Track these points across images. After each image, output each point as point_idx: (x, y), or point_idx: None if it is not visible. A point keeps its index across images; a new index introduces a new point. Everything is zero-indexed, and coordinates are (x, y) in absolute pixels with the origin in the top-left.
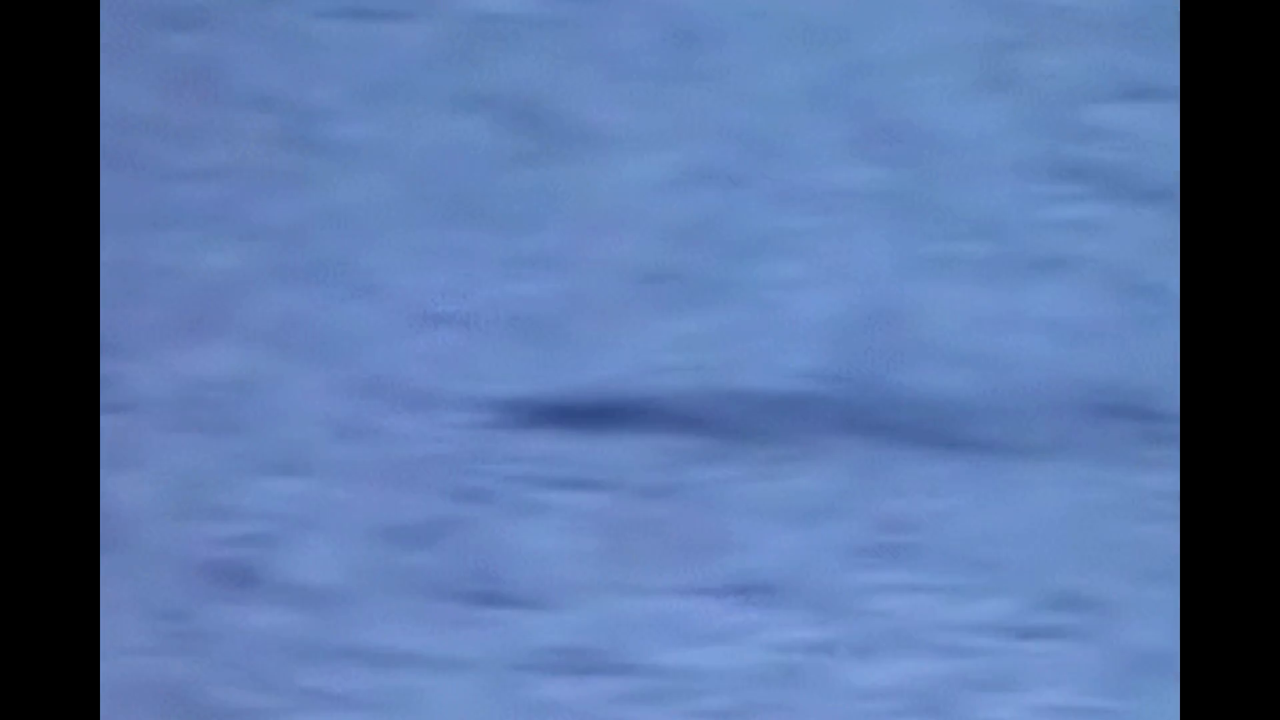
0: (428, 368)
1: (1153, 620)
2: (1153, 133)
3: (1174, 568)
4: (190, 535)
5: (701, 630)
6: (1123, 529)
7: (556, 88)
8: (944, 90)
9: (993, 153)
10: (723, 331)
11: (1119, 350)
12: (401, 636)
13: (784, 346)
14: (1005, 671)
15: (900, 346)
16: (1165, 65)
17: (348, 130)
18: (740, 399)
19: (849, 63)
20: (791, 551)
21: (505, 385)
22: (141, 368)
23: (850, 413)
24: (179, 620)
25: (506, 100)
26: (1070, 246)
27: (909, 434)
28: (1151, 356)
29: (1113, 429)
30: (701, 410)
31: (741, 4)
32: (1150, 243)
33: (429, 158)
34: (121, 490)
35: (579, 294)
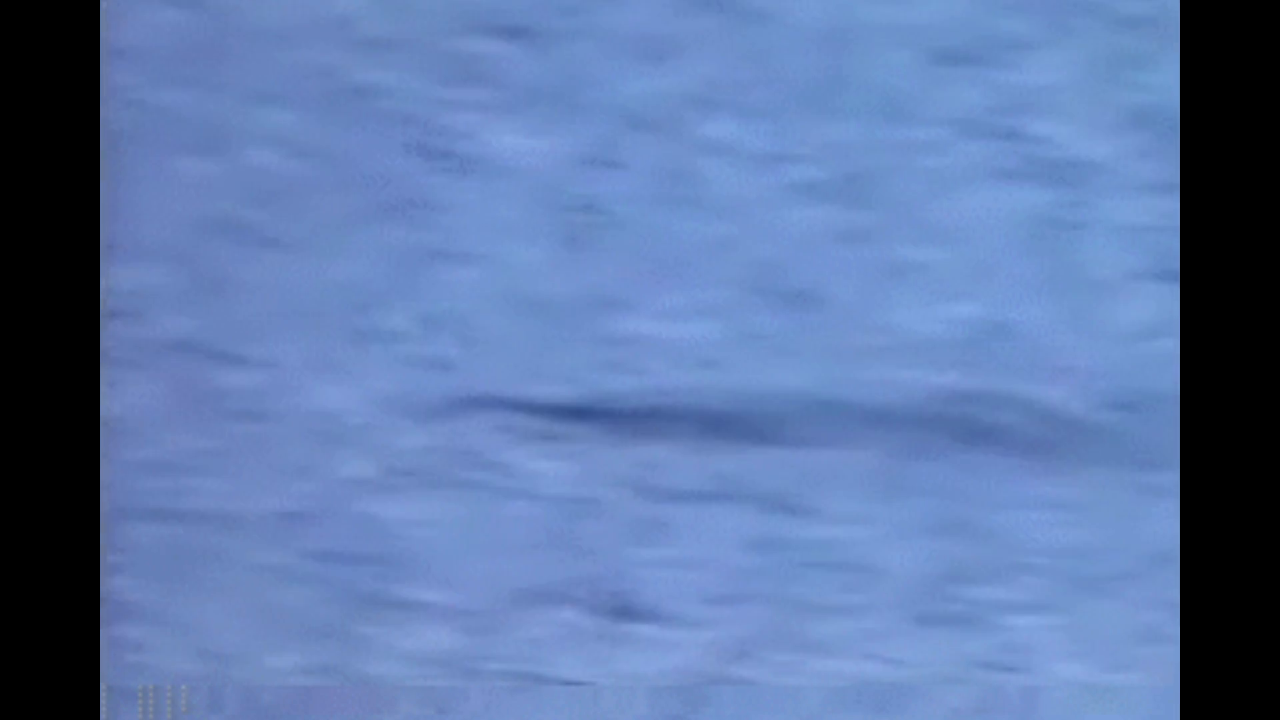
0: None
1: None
2: None
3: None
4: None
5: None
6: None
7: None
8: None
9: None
10: (839, 345)
11: None
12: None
13: (904, 361)
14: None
15: (1020, 361)
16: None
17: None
18: (857, 413)
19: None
20: (915, 566)
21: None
22: None
23: (970, 426)
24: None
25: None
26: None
27: (1029, 447)
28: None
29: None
30: (819, 424)
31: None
32: None
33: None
34: None
35: (709, 306)
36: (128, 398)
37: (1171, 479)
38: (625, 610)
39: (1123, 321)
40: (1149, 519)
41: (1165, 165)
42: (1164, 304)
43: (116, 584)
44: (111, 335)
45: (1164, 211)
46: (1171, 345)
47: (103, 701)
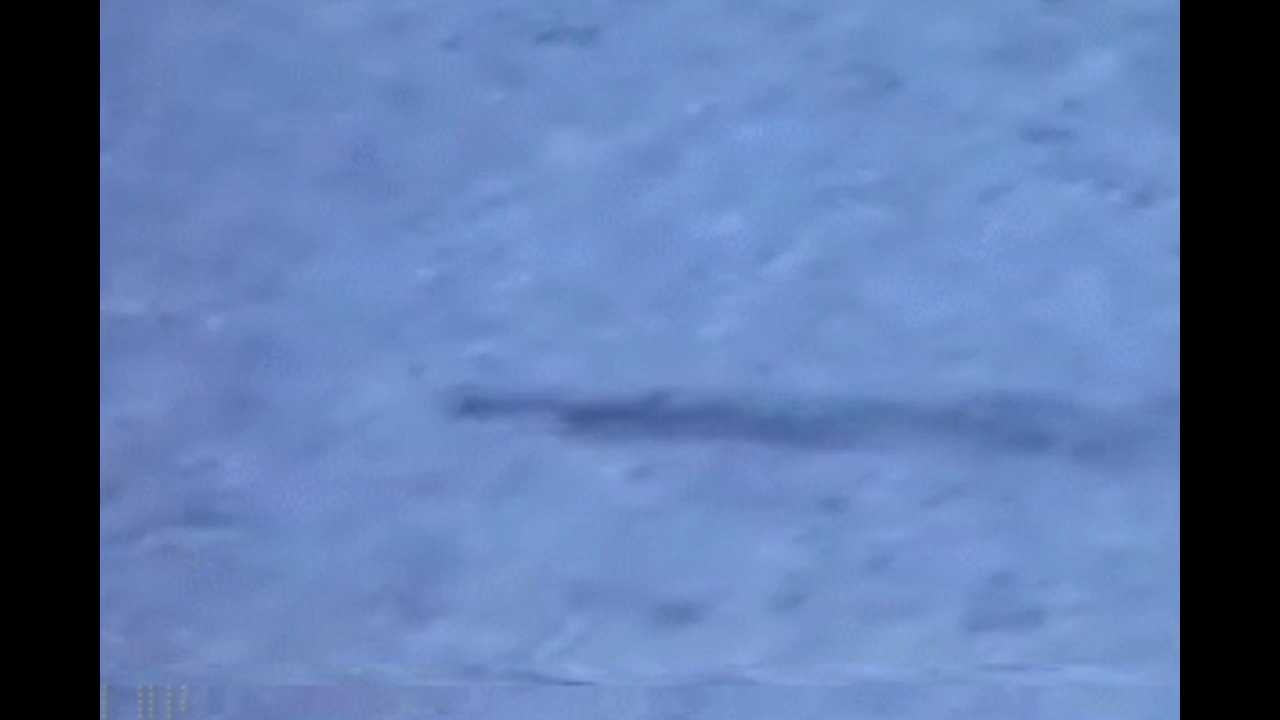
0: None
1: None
2: None
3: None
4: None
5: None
6: None
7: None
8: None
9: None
10: (888, 347)
11: None
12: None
13: (953, 363)
14: None
15: (1070, 363)
16: None
17: None
18: (907, 415)
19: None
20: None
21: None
22: None
23: (1020, 429)
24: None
25: None
26: None
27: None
28: None
29: None
30: (868, 427)
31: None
32: None
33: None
34: None
35: (759, 308)
36: (169, 399)
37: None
38: (676, 612)
39: (1174, 323)
40: None
41: None
42: None
43: (157, 588)
44: (145, 336)
45: None
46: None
47: (103, 701)
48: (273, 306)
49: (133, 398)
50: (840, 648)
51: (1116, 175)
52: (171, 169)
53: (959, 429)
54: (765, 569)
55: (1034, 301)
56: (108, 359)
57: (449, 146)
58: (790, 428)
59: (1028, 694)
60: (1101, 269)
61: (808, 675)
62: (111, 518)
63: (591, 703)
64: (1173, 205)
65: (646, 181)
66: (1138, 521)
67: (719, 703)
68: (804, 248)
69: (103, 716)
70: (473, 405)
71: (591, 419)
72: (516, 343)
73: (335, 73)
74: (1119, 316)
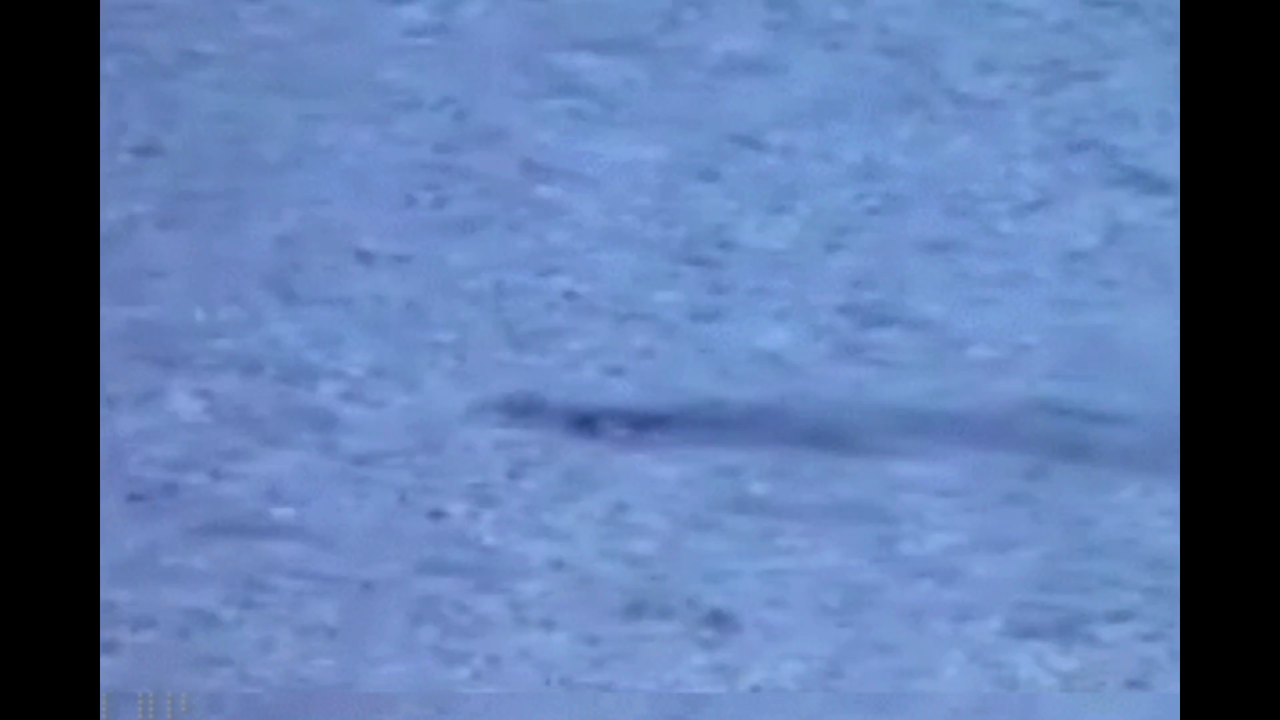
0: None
1: None
2: None
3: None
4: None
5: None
6: None
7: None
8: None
9: None
10: (934, 355)
11: None
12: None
13: (1000, 371)
14: None
15: (1118, 370)
16: None
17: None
18: (952, 424)
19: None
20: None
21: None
22: None
23: (1068, 437)
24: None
25: None
26: None
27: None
28: None
29: None
30: (913, 435)
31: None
32: None
33: None
34: None
35: (803, 316)
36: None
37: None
38: (719, 621)
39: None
40: None
41: None
42: None
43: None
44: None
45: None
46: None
47: (102, 707)
48: (330, 309)
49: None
50: (887, 657)
51: (1166, 183)
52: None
53: (1008, 438)
54: (813, 577)
55: (1086, 311)
56: None
57: (504, 153)
58: (839, 436)
59: (1028, 698)
60: (1152, 277)
61: (853, 684)
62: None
63: (592, 704)
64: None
65: (696, 189)
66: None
67: (718, 704)
68: (853, 255)
69: (103, 718)
70: (522, 412)
71: (640, 427)
72: (566, 350)
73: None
74: (1169, 324)
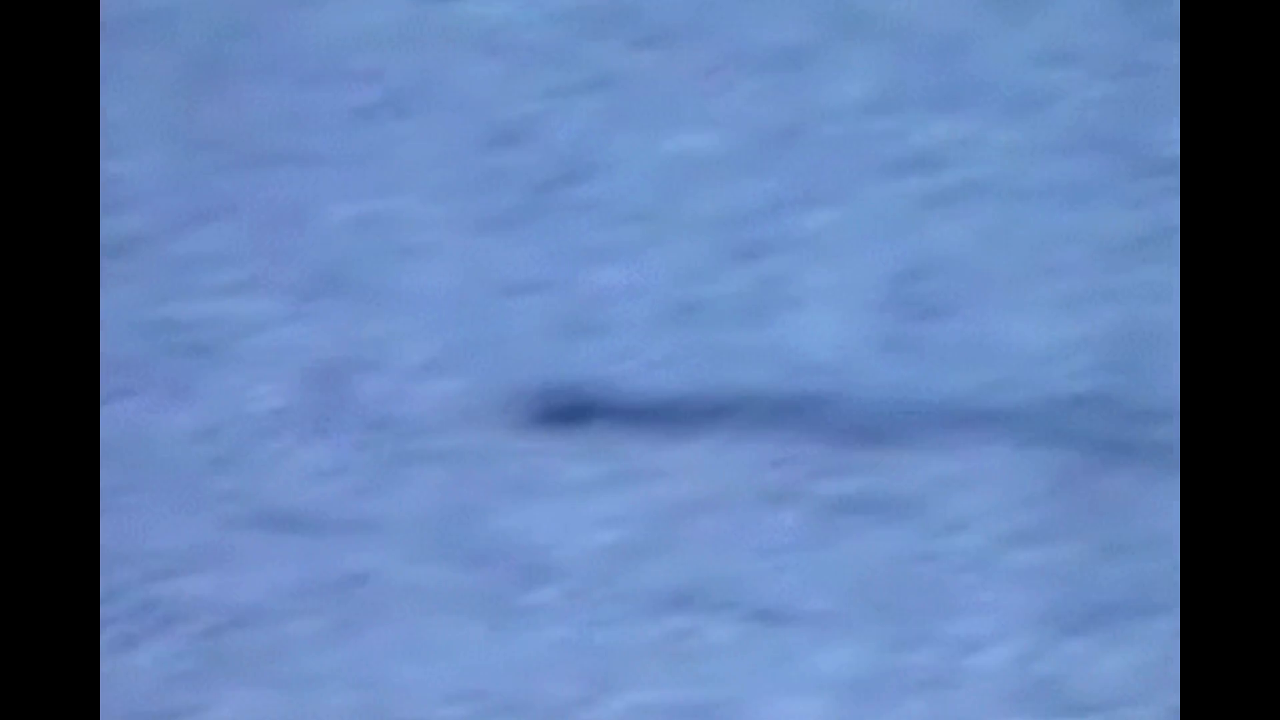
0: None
1: None
2: None
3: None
4: None
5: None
6: None
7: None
8: None
9: None
10: (976, 349)
11: None
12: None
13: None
14: None
15: (1158, 366)
16: None
17: None
18: (992, 419)
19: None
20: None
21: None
22: None
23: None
24: None
25: None
26: None
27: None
28: None
29: None
30: (954, 430)
31: None
32: None
33: None
34: None
35: (844, 309)
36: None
37: None
38: (759, 614)
39: None
40: None
41: None
42: None
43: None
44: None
45: None
46: None
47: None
48: (371, 305)
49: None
50: (926, 651)
51: None
52: None
53: (1052, 433)
54: (851, 570)
55: (1127, 304)
56: None
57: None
58: (881, 430)
59: (1067, 693)
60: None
61: (895, 676)
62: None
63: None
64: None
65: (739, 181)
66: None
67: (768, 695)
68: (898, 249)
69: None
70: (567, 408)
71: (688, 420)
72: (611, 345)
73: None
74: None
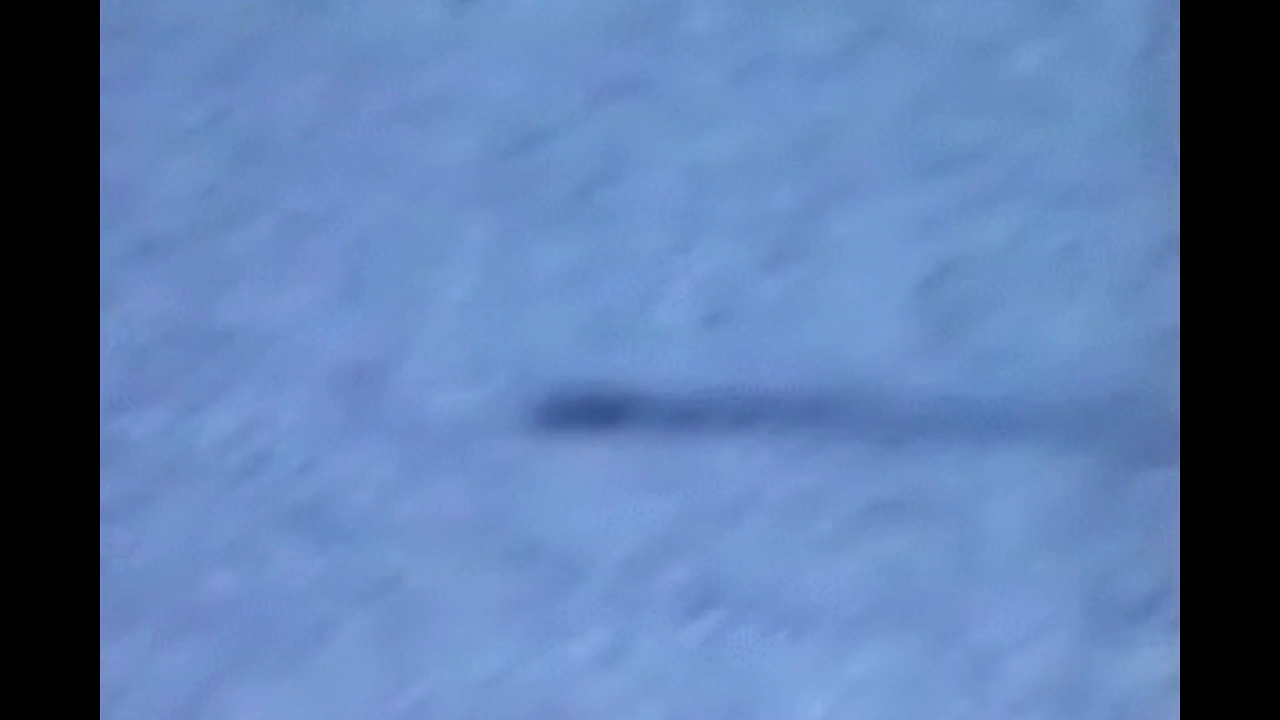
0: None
1: None
2: None
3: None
4: None
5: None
6: None
7: None
8: None
9: None
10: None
11: None
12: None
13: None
14: None
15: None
16: None
17: None
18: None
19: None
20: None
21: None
22: None
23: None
24: None
25: None
26: None
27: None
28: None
29: None
30: (984, 432)
31: None
32: None
33: None
34: None
35: (878, 309)
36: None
37: None
38: (791, 618)
39: None
40: None
41: None
42: None
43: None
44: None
45: None
46: None
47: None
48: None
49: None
50: (957, 655)
51: None
52: None
53: (1083, 436)
54: (882, 573)
55: (1160, 308)
56: None
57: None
58: (912, 433)
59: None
60: None
61: (926, 680)
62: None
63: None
64: None
65: (771, 184)
66: None
67: (798, 699)
68: (932, 251)
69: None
70: (599, 411)
71: (709, 424)
72: (642, 348)
73: None
74: None
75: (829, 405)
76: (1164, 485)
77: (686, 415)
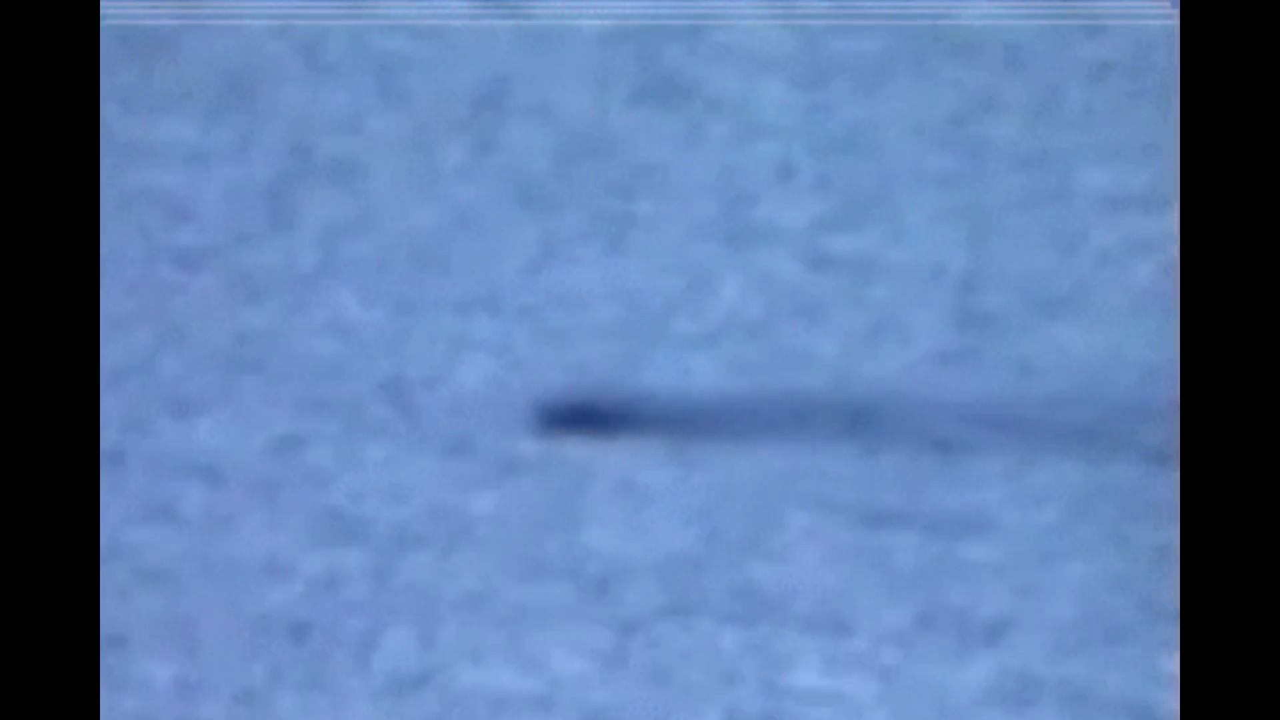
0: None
1: None
2: None
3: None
4: None
5: None
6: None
7: None
8: None
9: None
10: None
11: None
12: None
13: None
14: None
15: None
16: None
17: None
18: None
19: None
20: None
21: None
22: None
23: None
24: None
25: None
26: None
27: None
28: None
29: None
30: (999, 439)
31: None
32: None
33: None
34: None
35: (893, 318)
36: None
37: None
38: (822, 622)
39: None
40: None
41: None
42: None
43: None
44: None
45: None
46: None
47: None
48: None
49: None
50: (985, 660)
51: None
52: None
53: (1108, 443)
54: (910, 579)
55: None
56: None
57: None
58: (940, 441)
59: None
60: None
61: (952, 684)
62: None
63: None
64: None
65: (804, 194)
66: None
67: (828, 702)
68: (953, 262)
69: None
70: (635, 417)
71: (744, 430)
72: (678, 355)
73: None
74: None
75: (860, 412)
76: (1167, 487)
77: (722, 421)
